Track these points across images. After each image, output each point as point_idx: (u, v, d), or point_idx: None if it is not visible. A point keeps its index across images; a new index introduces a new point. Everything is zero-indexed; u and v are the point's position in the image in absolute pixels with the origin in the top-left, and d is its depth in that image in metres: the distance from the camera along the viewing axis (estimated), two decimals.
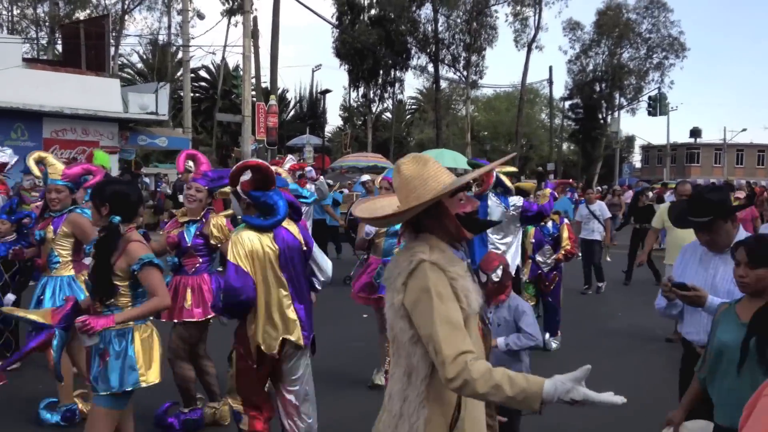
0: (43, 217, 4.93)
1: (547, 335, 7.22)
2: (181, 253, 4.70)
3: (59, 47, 28.55)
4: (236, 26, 32.74)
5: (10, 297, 5.76)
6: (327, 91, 24.96)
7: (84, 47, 21.43)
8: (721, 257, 3.34)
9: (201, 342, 4.80)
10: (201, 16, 28.24)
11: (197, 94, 41.22)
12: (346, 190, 17.10)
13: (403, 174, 2.15)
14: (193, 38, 30.38)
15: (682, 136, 59.85)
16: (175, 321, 4.61)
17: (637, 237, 11.67)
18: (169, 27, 33.94)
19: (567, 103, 46.13)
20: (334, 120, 69.35)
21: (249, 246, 3.64)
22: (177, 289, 4.63)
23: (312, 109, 44.35)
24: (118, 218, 3.34)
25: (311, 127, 35.43)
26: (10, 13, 33.03)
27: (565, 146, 52.23)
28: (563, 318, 8.07)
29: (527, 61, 37.06)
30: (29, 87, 17.96)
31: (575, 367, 1.96)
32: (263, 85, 26.76)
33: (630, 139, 56.53)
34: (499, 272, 3.97)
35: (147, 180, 22.41)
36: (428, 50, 36.49)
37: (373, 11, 36.99)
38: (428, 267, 2.05)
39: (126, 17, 33.00)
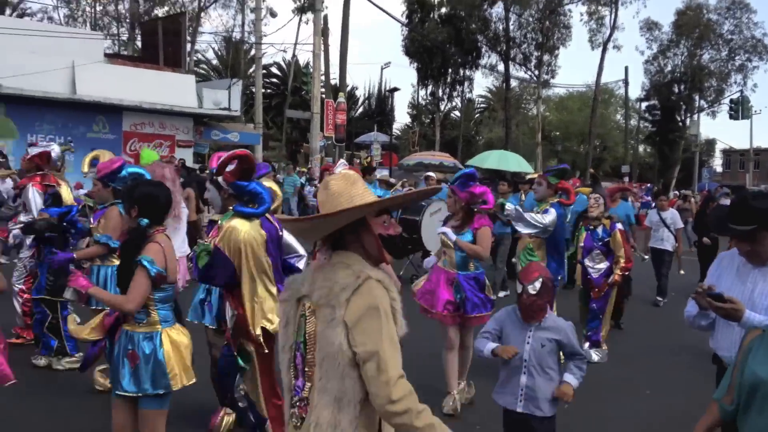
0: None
1: (586, 345, 6.83)
2: None
3: (139, 43, 29.66)
4: (307, 24, 33.32)
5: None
6: (395, 89, 24.94)
7: (162, 44, 22.18)
8: (761, 270, 3.05)
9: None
10: (273, 14, 28.79)
11: (268, 90, 42.05)
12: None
13: (330, 189, 2.11)
14: (265, 36, 30.98)
15: (766, 141, 56.99)
16: None
17: (704, 247, 10.83)
18: (243, 24, 34.74)
19: (643, 105, 44.64)
20: (402, 117, 69.48)
21: (244, 234, 3.76)
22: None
23: (380, 107, 44.53)
24: (146, 221, 3.35)
25: (379, 125, 35.56)
26: (93, 10, 34.55)
27: (641, 148, 50.60)
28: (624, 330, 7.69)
29: (602, 61, 36.06)
30: (110, 82, 18.74)
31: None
32: (332, 82, 27.05)
33: (710, 143, 54.27)
34: (537, 285, 3.55)
35: None
36: (499, 49, 36.00)
37: (443, 9, 36.78)
38: (375, 284, 2.00)
39: (202, 15, 33.97)
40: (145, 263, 3.22)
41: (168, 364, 3.31)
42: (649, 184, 28.12)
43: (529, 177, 6.35)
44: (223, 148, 32.63)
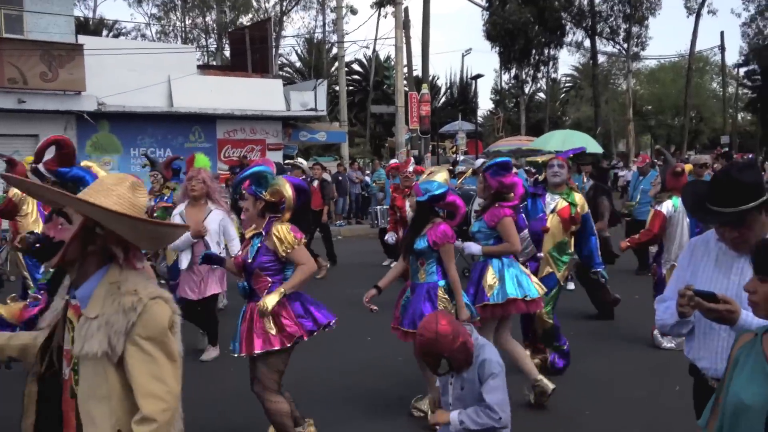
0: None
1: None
2: (248, 275, 4.13)
3: (226, 52, 30.66)
4: (385, 18, 33.39)
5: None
6: (479, 76, 24.59)
7: (249, 51, 22.79)
8: (749, 258, 2.30)
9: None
10: (354, 12, 29.09)
11: (350, 87, 42.45)
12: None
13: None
14: (347, 34, 31.29)
15: None
16: (257, 353, 4.02)
17: None
18: (324, 25, 35.24)
19: (742, 70, 42.08)
20: (484, 104, 68.56)
21: None
22: (251, 318, 4.03)
23: (463, 95, 44.07)
24: None
25: (462, 113, 35.20)
26: (183, 24, 36.00)
27: (740, 117, 47.75)
28: None
29: (696, 28, 34.22)
30: (204, 92, 19.42)
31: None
32: (414, 74, 27.00)
33: None
34: (446, 366, 3.08)
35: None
36: (584, 24, 34.82)
37: None
38: None
39: (284, 18, 34.70)
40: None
41: None
42: (750, 155, 26.43)
43: (542, 160, 5.74)
44: (310, 148, 33.37)
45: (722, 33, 48.14)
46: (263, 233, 4.09)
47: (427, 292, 4.55)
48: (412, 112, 24.17)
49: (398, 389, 5.40)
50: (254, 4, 36.55)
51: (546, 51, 37.16)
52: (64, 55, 16.48)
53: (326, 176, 18.71)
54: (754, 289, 2.02)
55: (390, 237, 9.18)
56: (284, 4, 35.53)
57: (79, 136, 17.72)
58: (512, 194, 4.92)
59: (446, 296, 4.55)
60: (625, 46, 34.65)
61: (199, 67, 22.20)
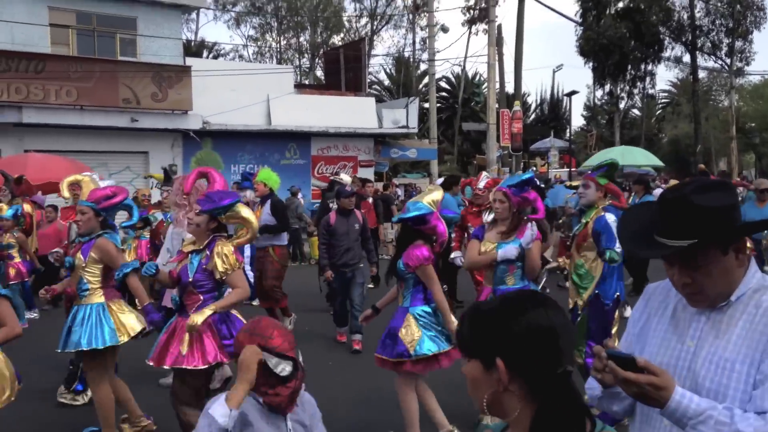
0: (73, 243, 4.82)
1: None
2: (181, 289, 4.22)
3: (317, 71, 31.46)
4: (476, 35, 33.32)
5: None
6: (574, 92, 24.04)
7: (343, 70, 23.30)
8: (711, 317, 1.76)
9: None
10: (445, 30, 29.01)
11: (438, 105, 42.59)
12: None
13: None
14: (438, 51, 31.47)
15: None
16: (168, 367, 4.19)
17: None
18: (414, 43, 35.55)
19: None
20: (575, 120, 67.15)
21: None
22: (174, 332, 4.14)
23: (554, 112, 43.29)
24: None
25: (555, 131, 34.58)
26: (278, 44, 37.26)
27: None
28: None
29: None
30: (300, 110, 20.00)
31: None
32: (505, 91, 26.80)
33: None
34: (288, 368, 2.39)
35: (399, 191, 23.64)
36: (684, 39, 33.54)
37: (620, 4, 34.98)
38: None
39: (374, 38, 35.29)
40: (3, 292, 3.52)
41: None
42: None
43: (574, 183, 5.75)
44: (398, 165, 33.61)
45: None
46: (207, 252, 4.14)
47: (400, 314, 4.41)
48: (503, 129, 23.96)
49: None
50: (345, 24, 37.48)
51: (642, 66, 36.03)
52: (173, 77, 17.38)
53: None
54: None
55: (458, 258, 8.07)
56: (375, 23, 36.16)
57: (184, 153, 18.63)
58: (535, 208, 4.89)
59: (416, 322, 4.29)
60: (728, 61, 33.13)
61: (295, 86, 22.86)
